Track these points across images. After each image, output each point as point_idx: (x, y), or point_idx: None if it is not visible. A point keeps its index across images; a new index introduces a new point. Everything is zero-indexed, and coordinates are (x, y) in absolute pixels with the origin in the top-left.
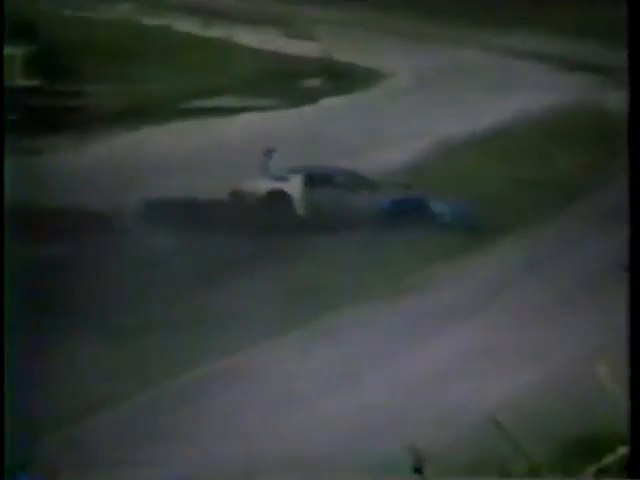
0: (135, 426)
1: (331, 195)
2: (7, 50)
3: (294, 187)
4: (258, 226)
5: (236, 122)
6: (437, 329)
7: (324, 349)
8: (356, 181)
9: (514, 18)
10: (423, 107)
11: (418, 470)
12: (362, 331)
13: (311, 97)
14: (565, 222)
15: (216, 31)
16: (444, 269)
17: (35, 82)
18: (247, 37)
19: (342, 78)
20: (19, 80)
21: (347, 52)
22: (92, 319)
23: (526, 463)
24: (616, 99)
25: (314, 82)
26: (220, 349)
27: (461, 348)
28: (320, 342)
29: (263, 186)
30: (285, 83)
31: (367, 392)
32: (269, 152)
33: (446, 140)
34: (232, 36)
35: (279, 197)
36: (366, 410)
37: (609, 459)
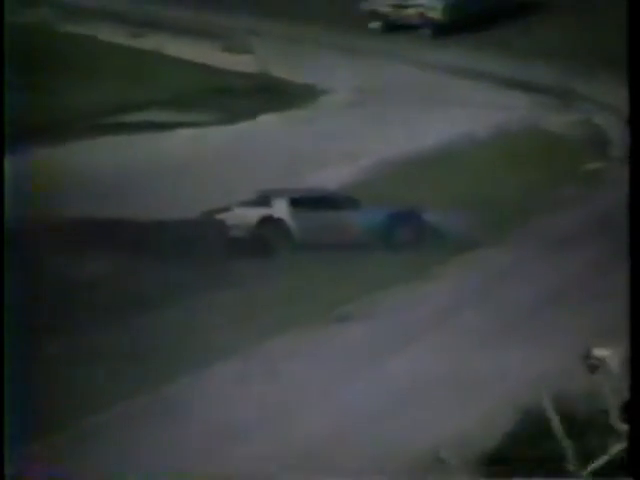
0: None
1: (320, 216)
2: None
3: (281, 211)
4: (253, 252)
5: (168, 138)
6: (381, 359)
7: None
8: (337, 200)
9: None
10: (363, 125)
11: None
12: (303, 360)
13: (248, 113)
14: (510, 246)
15: (146, 42)
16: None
17: None
18: (179, 49)
19: (280, 94)
20: None
21: (285, 67)
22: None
23: None
24: (559, 120)
25: (251, 97)
26: (150, 379)
27: (405, 378)
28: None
29: (250, 214)
30: (220, 98)
31: (306, 425)
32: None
33: (387, 159)
34: (163, 48)
35: (272, 222)
36: (305, 443)
37: (601, 460)
